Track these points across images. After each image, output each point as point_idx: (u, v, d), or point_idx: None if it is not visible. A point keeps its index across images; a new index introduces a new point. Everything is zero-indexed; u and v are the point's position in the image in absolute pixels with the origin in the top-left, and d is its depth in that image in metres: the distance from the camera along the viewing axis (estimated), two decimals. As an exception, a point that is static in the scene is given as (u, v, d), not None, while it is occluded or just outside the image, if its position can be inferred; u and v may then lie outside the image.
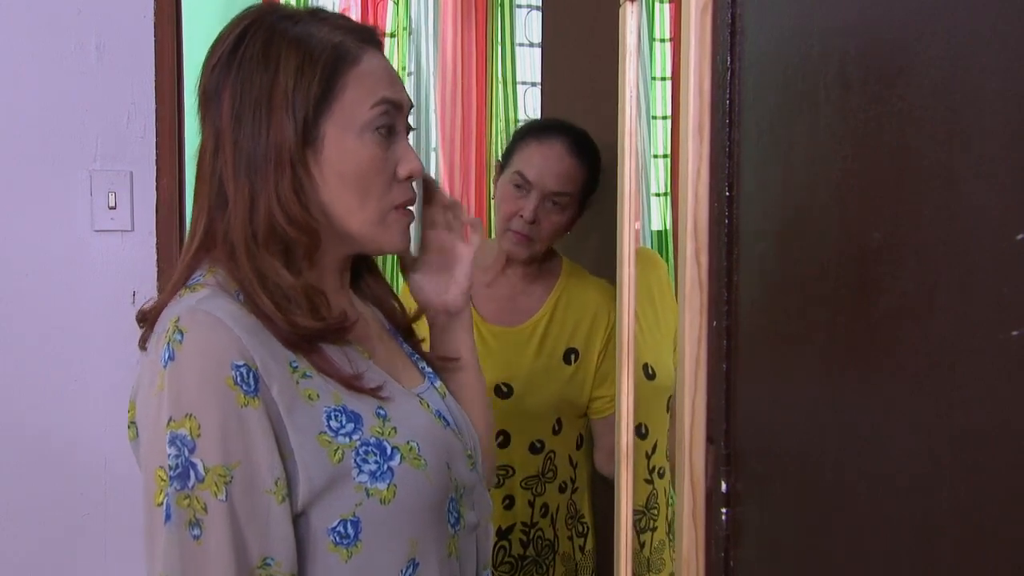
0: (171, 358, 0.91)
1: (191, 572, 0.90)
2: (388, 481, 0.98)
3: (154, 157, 1.85)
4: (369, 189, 1.03)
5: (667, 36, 3.27)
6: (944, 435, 0.48)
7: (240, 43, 1.01)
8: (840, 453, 0.58)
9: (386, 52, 3.71)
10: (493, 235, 1.93)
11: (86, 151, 1.82)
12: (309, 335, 0.99)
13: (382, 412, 1.01)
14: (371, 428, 0.99)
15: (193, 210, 1.06)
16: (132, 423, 0.99)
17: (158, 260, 1.86)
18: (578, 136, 1.78)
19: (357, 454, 0.97)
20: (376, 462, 0.98)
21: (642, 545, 1.90)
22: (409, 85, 3.21)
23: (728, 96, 0.69)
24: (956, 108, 0.47)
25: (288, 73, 0.99)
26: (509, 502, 1.79)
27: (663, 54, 3.27)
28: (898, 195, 0.51)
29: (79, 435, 1.84)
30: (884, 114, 0.52)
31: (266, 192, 0.99)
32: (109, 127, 1.83)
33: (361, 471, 0.97)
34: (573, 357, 1.81)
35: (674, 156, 3.25)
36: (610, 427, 1.75)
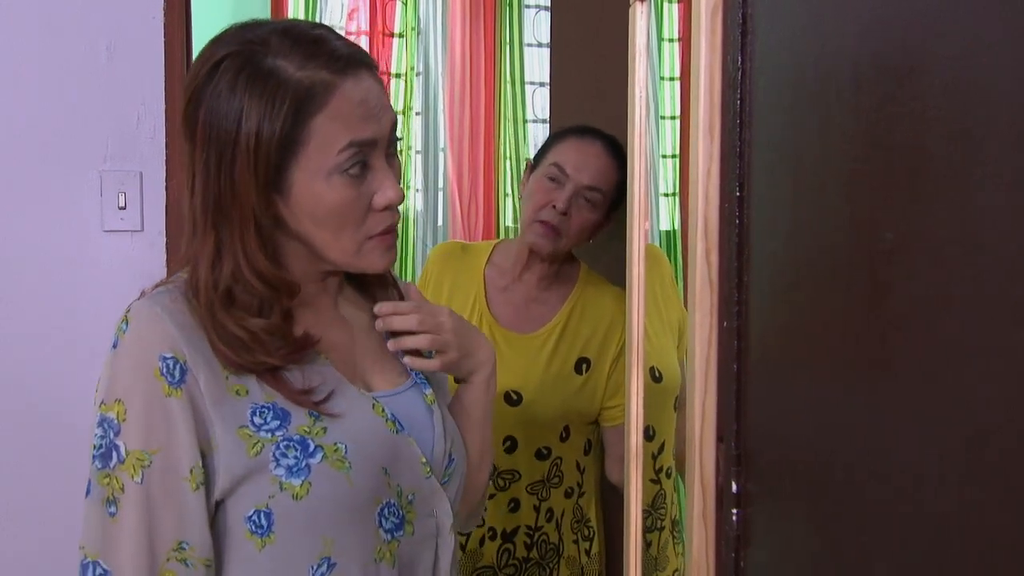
0: (115, 346, 0.99)
1: (107, 546, 0.98)
2: (303, 478, 1.00)
3: (164, 157, 1.86)
4: (342, 226, 1.03)
5: (676, 36, 3.26)
6: (956, 435, 0.48)
7: (213, 75, 0.99)
8: (851, 453, 0.58)
9: (394, 52, 3.64)
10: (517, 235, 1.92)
11: (96, 151, 1.83)
12: (267, 368, 1.01)
13: (315, 412, 1.02)
14: (299, 427, 1.01)
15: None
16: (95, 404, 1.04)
17: (168, 260, 1.86)
18: (615, 141, 1.79)
19: (277, 448, 1.00)
20: (295, 457, 1.00)
21: (648, 544, 1.90)
22: (417, 85, 3.21)
23: (739, 96, 0.69)
24: (968, 108, 0.47)
25: (251, 123, 0.97)
26: (514, 505, 1.79)
27: (671, 54, 3.26)
28: (910, 195, 0.51)
29: (86, 434, 1.84)
30: (896, 114, 0.52)
31: (232, 245, 1.00)
32: (119, 128, 1.83)
33: (279, 465, 0.99)
34: (585, 367, 1.79)
35: (683, 156, 3.25)
36: (621, 436, 1.75)
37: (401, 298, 1.21)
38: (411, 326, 1.15)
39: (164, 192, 1.86)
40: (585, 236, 1.79)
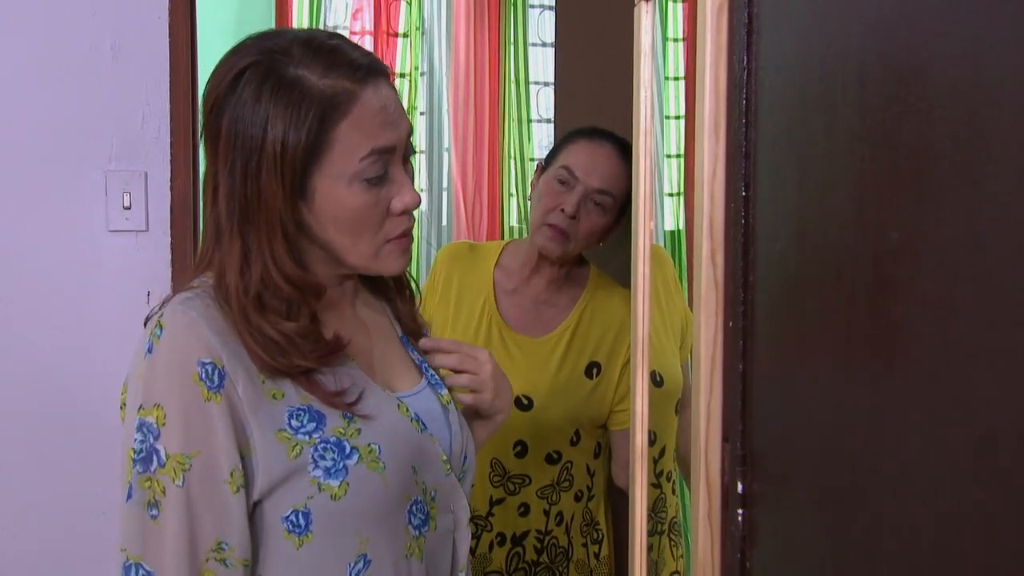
0: (149, 350, 0.99)
1: (149, 548, 0.98)
2: (341, 479, 1.02)
3: (168, 157, 1.86)
4: (362, 231, 1.05)
5: (680, 36, 3.26)
6: (962, 436, 0.48)
7: (236, 84, 1.01)
8: (856, 453, 0.58)
9: (398, 52, 3.65)
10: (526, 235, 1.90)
11: (101, 151, 1.83)
12: (301, 370, 1.03)
13: (348, 414, 1.05)
14: (334, 428, 1.03)
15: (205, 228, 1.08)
16: (123, 405, 1.05)
17: (172, 260, 1.87)
18: (626, 144, 1.75)
19: (315, 450, 1.02)
20: (333, 459, 1.02)
21: (650, 548, 1.89)
22: (422, 85, 3.21)
23: (744, 96, 0.69)
24: (975, 107, 0.47)
25: (277, 131, 0.98)
26: (524, 510, 1.78)
27: (676, 54, 3.26)
28: (916, 194, 0.51)
29: (93, 434, 1.85)
30: (902, 113, 0.52)
31: (259, 251, 1.01)
32: (124, 128, 1.84)
33: (317, 466, 1.02)
34: (595, 371, 1.78)
35: (687, 156, 3.24)
36: (629, 439, 1.74)
37: (412, 297, 1.25)
38: (451, 365, 1.21)
39: (169, 192, 1.86)
40: (595, 240, 1.77)
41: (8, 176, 1.81)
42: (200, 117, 1.07)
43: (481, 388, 1.23)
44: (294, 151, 0.99)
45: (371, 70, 1.04)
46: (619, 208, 1.76)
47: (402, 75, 3.15)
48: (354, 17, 3.16)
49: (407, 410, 1.11)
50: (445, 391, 1.20)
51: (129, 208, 1.84)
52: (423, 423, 1.12)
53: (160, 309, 1.03)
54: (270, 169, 0.99)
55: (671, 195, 3.31)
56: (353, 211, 1.03)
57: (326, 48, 1.02)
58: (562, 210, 1.71)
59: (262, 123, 0.99)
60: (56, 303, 1.83)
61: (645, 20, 0.92)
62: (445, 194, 3.31)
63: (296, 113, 0.99)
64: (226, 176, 1.01)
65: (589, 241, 1.76)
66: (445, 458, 1.14)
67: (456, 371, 1.23)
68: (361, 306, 1.19)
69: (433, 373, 1.21)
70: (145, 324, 1.07)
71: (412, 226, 1.11)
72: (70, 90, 1.81)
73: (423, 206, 3.23)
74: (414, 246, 3.55)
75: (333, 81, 1.00)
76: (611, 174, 1.73)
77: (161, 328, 0.99)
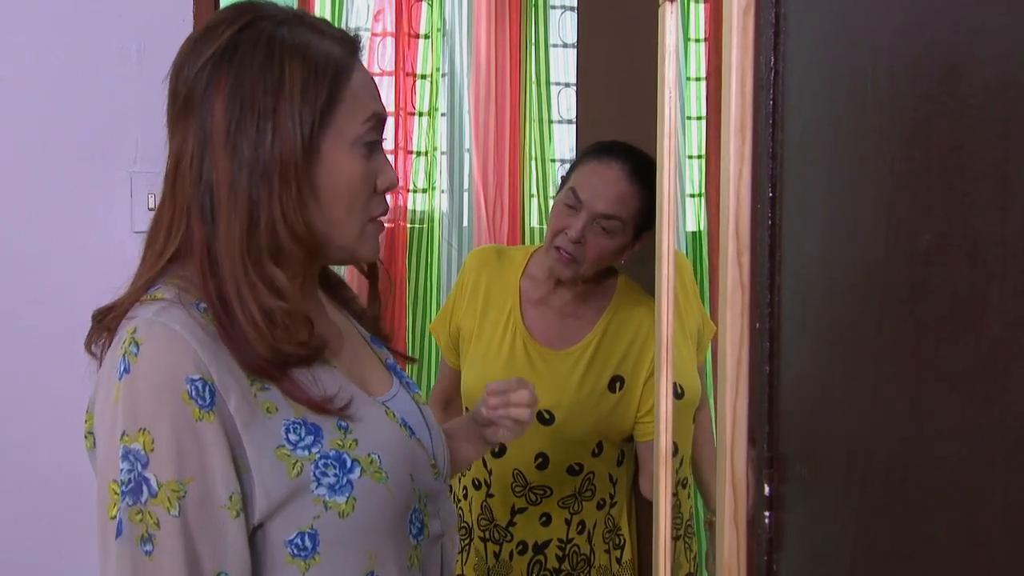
0: (126, 371, 0.91)
1: None
2: (347, 495, 0.97)
3: (192, 159, 1.87)
4: (354, 203, 1.03)
5: (701, 36, 3.25)
6: (995, 440, 0.47)
7: (235, 47, 0.98)
8: (887, 456, 0.58)
9: (419, 53, 3.65)
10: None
11: (126, 153, 1.85)
12: (288, 361, 0.97)
13: (343, 424, 1.00)
14: (331, 441, 0.98)
15: (160, 214, 1.05)
16: (89, 433, 0.98)
17: (196, 261, 1.88)
18: (641, 162, 1.71)
19: (316, 467, 0.96)
20: (336, 475, 0.97)
21: None
22: (443, 86, 3.22)
23: (771, 96, 0.68)
24: (1007, 106, 0.46)
25: (295, 84, 0.97)
26: (545, 519, 1.78)
27: (697, 54, 3.25)
28: (949, 196, 0.50)
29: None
30: (934, 113, 0.51)
31: (268, 206, 0.96)
32: (149, 129, 1.85)
33: (320, 484, 0.96)
34: (618, 385, 1.77)
35: (709, 157, 3.23)
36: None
37: (365, 309, 1.22)
38: (526, 401, 1.28)
39: (193, 193, 1.87)
40: (607, 260, 1.74)
41: (34, 178, 1.83)
42: (179, 82, 1.04)
43: (521, 431, 1.28)
44: (312, 107, 0.97)
45: (358, 46, 1.05)
46: (632, 229, 1.72)
47: (423, 76, 3.16)
48: (375, 19, 3.17)
49: (394, 415, 1.07)
50: (418, 390, 1.18)
51: (154, 209, 1.85)
52: (410, 427, 1.09)
53: (126, 325, 0.96)
54: (286, 124, 0.96)
55: (692, 196, 3.30)
56: (351, 178, 1.01)
57: (312, 19, 1.04)
58: (567, 233, 1.68)
59: (277, 79, 0.96)
60: (82, 304, 1.84)
61: (670, 20, 0.92)
62: (466, 195, 3.31)
63: (313, 71, 0.98)
64: (228, 134, 0.96)
65: (601, 263, 1.73)
66: (433, 462, 1.11)
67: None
68: (328, 307, 1.16)
69: (405, 374, 1.19)
70: (95, 320, 1.02)
71: (388, 210, 1.09)
72: (96, 92, 1.83)
73: (444, 207, 3.23)
74: (435, 247, 3.53)
75: (332, 43, 1.01)
76: (618, 197, 1.68)
77: (138, 345, 0.92)
